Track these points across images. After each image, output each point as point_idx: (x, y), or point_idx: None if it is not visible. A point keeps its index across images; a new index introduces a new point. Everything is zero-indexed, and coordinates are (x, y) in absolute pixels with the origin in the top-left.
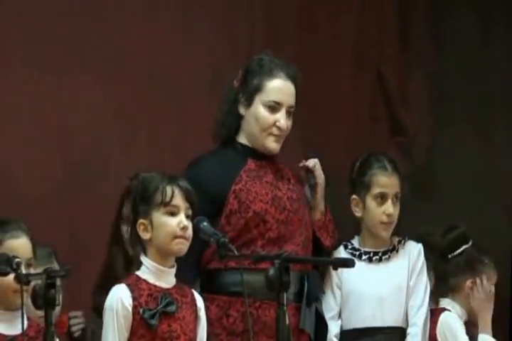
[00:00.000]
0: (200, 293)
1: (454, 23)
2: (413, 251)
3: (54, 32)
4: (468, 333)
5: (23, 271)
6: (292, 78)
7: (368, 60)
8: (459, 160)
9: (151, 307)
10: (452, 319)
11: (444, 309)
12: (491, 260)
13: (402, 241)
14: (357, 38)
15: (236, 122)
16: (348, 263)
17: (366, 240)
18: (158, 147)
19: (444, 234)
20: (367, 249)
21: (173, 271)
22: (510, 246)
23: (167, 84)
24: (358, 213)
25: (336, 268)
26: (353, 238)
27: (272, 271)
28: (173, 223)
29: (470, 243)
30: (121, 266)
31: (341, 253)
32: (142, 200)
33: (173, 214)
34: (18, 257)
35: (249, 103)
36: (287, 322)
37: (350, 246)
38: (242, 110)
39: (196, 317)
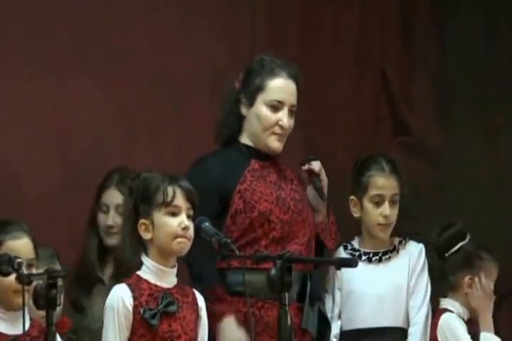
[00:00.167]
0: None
1: (457, 23)
2: (414, 251)
3: (54, 32)
4: (470, 331)
5: (25, 271)
6: (294, 77)
7: (369, 60)
8: (463, 160)
9: (152, 307)
10: (452, 319)
11: (445, 310)
12: (491, 255)
13: (403, 242)
14: (359, 38)
15: (238, 123)
16: (351, 263)
17: (366, 241)
18: (158, 147)
19: (440, 232)
20: (366, 250)
21: (174, 271)
22: (510, 246)
23: (167, 84)
24: (356, 214)
25: (339, 268)
26: (353, 239)
27: (273, 271)
28: (175, 223)
29: (467, 239)
30: (94, 255)
31: (341, 253)
32: (143, 200)
33: (174, 214)
34: (19, 257)
35: (251, 103)
36: (289, 322)
37: (349, 247)
38: (244, 110)
39: (197, 317)
